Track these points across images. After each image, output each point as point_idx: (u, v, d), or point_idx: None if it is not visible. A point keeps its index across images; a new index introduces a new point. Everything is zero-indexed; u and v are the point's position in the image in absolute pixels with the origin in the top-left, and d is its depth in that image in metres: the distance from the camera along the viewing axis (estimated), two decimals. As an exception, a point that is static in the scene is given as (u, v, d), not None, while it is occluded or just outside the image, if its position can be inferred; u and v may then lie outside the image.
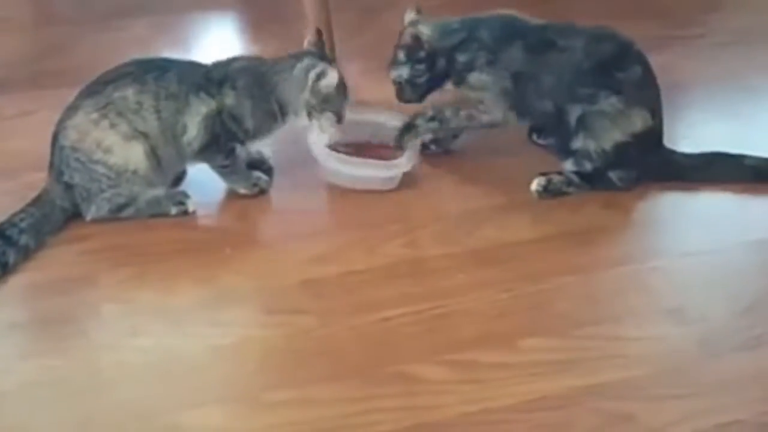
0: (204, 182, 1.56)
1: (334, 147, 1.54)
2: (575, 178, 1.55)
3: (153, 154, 1.46)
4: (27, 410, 1.18)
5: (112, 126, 1.43)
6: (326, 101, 1.49)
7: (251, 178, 1.54)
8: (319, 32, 1.58)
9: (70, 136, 1.44)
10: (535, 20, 1.55)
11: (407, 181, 1.58)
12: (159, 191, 1.49)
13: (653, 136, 1.53)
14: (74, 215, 1.47)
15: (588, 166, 1.53)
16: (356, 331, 1.29)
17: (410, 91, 1.58)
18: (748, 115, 1.75)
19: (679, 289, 1.39)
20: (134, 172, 1.45)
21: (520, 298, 1.34)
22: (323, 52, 1.56)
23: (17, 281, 1.37)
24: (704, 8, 2.14)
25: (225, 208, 1.54)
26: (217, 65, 1.51)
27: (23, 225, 1.41)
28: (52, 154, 1.46)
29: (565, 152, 1.55)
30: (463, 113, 1.55)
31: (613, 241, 1.47)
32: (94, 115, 1.43)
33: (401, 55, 1.56)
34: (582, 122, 1.50)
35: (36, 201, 1.46)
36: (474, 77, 1.53)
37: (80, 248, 1.44)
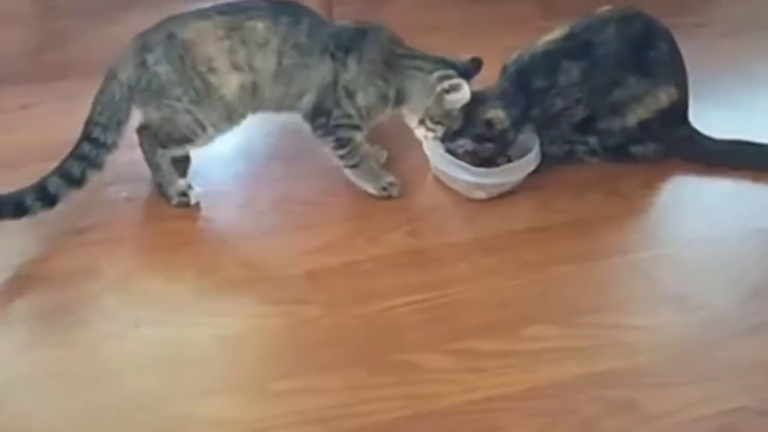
0: (207, 172, 1.55)
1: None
2: (599, 149, 1.57)
3: (251, 88, 1.44)
4: (31, 402, 1.19)
5: (231, 51, 1.41)
6: (446, 116, 1.47)
7: (382, 180, 1.50)
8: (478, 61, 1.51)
9: (188, 33, 1.42)
10: (558, 30, 1.53)
11: (408, 170, 1.58)
12: (221, 132, 1.47)
13: (679, 109, 1.54)
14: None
15: (612, 142, 1.55)
16: (360, 321, 1.29)
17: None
18: (747, 103, 1.75)
19: (682, 277, 1.39)
20: (222, 97, 1.44)
21: (523, 286, 1.35)
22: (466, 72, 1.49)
23: (20, 273, 1.37)
24: (704, -3, 2.15)
25: (227, 199, 1.53)
26: (349, 29, 1.47)
27: (103, 120, 1.42)
28: (152, 31, 1.44)
29: (588, 131, 1.56)
30: (565, 125, 1.54)
31: (616, 229, 1.48)
32: (220, 32, 1.41)
33: (467, 135, 1.51)
34: (611, 106, 1.52)
35: (103, 83, 1.44)
36: (551, 112, 1.52)
37: (82, 240, 1.43)
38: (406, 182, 1.55)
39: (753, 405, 1.17)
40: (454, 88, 1.44)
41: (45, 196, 1.38)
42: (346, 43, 1.45)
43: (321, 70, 1.44)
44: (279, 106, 1.49)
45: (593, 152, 1.58)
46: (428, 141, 1.52)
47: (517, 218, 1.48)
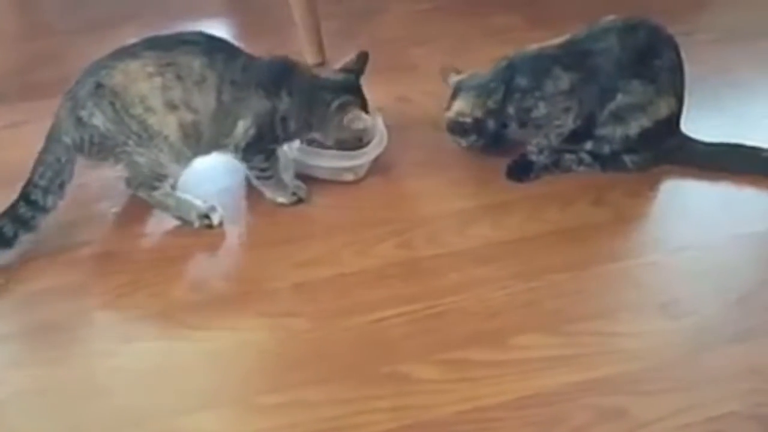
0: (194, 187, 1.55)
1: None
2: (588, 158, 1.57)
3: (192, 129, 1.42)
4: (21, 419, 1.19)
5: (165, 88, 1.38)
6: (356, 134, 1.53)
7: (289, 188, 1.53)
8: (364, 55, 1.56)
9: (115, 77, 1.38)
10: (557, 40, 1.54)
11: (398, 182, 1.59)
12: (180, 171, 1.48)
13: (674, 120, 1.55)
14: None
15: (606, 149, 1.56)
16: (349, 333, 1.29)
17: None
18: (734, 110, 1.76)
19: (671, 284, 1.39)
20: (166, 138, 1.41)
21: (513, 296, 1.35)
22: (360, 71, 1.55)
23: (11, 290, 1.37)
24: (691, 6, 2.16)
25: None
26: (276, 63, 1.49)
27: (43, 183, 1.40)
28: (78, 83, 1.41)
29: (585, 137, 1.56)
30: (552, 136, 1.55)
31: (604, 237, 1.47)
32: (151, 69, 1.38)
33: (455, 135, 1.60)
34: (613, 114, 1.52)
35: (46, 143, 1.43)
36: (536, 113, 1.53)
37: (73, 256, 1.44)
38: (394, 194, 1.56)
39: (742, 410, 1.17)
40: (352, 120, 1.49)
41: None
42: (277, 78, 1.46)
43: (256, 101, 1.45)
44: (213, 146, 1.48)
45: (580, 161, 1.58)
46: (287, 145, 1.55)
47: (507, 228, 1.48)
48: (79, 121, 1.40)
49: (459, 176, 1.61)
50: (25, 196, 1.41)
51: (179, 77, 1.39)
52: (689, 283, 1.38)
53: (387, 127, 1.61)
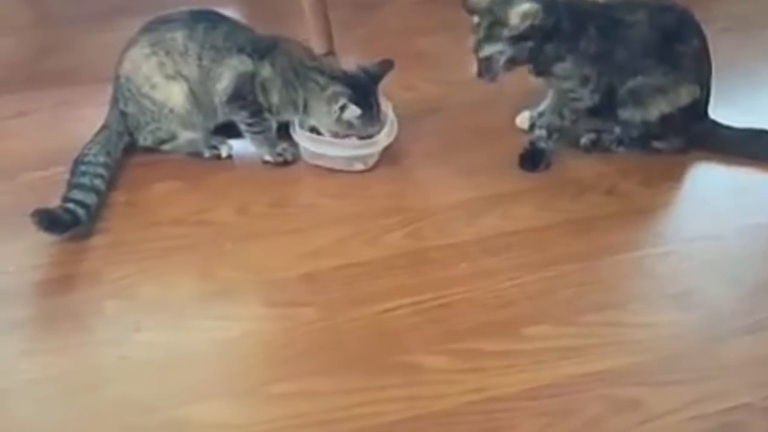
0: (203, 178, 1.56)
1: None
2: (626, 139, 1.58)
3: (192, 96, 1.53)
4: (31, 408, 1.18)
5: (160, 64, 1.52)
6: (350, 128, 1.53)
7: (277, 147, 1.58)
8: (387, 63, 1.57)
9: (126, 67, 1.54)
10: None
11: (407, 172, 1.58)
12: (197, 135, 1.58)
13: (699, 107, 1.55)
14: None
15: (635, 133, 1.56)
16: (358, 323, 1.28)
17: (491, 68, 1.50)
18: (747, 100, 1.75)
19: (683, 275, 1.38)
20: (171, 110, 1.54)
21: (523, 286, 1.34)
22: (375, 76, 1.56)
23: (21, 278, 1.37)
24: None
25: (224, 203, 1.53)
26: (265, 38, 1.56)
27: (92, 154, 1.50)
28: (113, 83, 1.57)
29: (612, 120, 1.57)
30: (566, 112, 1.54)
31: (616, 228, 1.46)
32: (147, 50, 1.52)
33: (504, 33, 1.45)
34: (632, 93, 1.51)
35: (99, 130, 1.55)
36: (559, 68, 1.50)
37: (83, 245, 1.43)
38: (403, 184, 1.55)
39: (755, 402, 1.16)
40: (342, 109, 1.50)
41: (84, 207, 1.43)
42: (261, 50, 1.54)
43: (237, 61, 1.52)
44: (213, 108, 1.56)
45: (620, 141, 1.58)
46: (295, 133, 1.57)
47: (518, 218, 1.47)
48: (122, 113, 1.56)
49: (469, 166, 1.59)
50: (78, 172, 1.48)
51: (168, 52, 1.52)
52: (702, 274, 1.37)
53: (396, 116, 1.60)
